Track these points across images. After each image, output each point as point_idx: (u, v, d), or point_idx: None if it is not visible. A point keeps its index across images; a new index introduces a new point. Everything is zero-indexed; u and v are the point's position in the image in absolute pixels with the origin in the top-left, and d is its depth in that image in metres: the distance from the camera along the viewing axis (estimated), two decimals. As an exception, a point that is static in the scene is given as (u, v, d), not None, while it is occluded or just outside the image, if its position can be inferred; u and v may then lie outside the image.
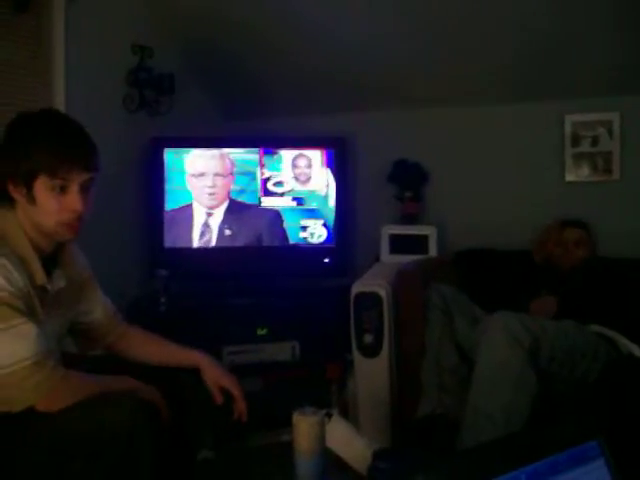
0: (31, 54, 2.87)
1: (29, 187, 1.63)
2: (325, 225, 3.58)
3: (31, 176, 1.62)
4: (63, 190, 1.65)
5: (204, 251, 3.54)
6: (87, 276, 1.98)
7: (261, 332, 3.30)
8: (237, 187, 3.54)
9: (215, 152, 3.52)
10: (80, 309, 1.96)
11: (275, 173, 3.56)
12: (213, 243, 3.53)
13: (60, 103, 2.93)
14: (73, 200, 1.66)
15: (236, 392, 1.97)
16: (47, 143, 1.63)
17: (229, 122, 4.16)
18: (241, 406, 1.97)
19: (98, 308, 2.02)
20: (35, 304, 1.65)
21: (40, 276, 1.68)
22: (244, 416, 1.97)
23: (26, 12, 2.81)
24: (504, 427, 2.07)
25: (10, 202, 1.68)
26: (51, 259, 1.77)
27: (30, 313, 1.60)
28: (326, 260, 3.58)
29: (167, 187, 3.46)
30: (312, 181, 3.58)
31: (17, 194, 1.65)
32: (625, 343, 2.41)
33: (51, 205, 1.65)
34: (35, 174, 1.62)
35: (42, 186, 1.63)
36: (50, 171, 1.62)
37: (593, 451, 1.04)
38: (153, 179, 3.48)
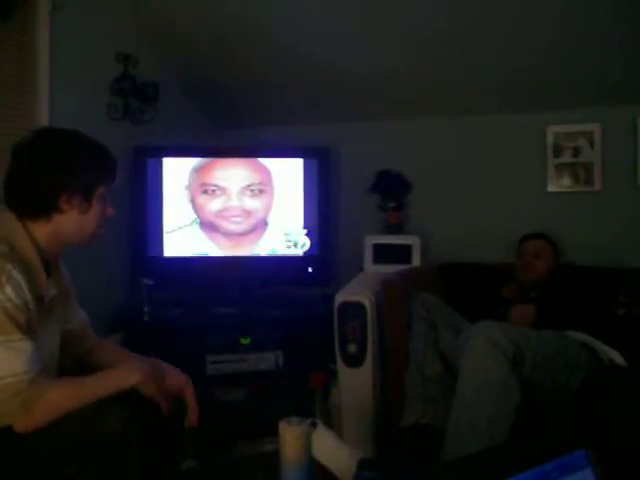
0: (15, 62, 2.85)
1: (88, 197, 1.77)
2: (309, 234, 3.59)
3: (93, 187, 1.78)
4: (105, 199, 1.84)
5: (187, 260, 3.54)
6: (68, 283, 1.98)
7: (244, 341, 3.30)
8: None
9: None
10: (63, 317, 1.95)
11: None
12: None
13: (44, 111, 2.92)
14: (108, 207, 1.87)
15: (165, 406, 1.82)
16: (103, 158, 1.83)
17: (213, 131, 4.15)
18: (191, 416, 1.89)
19: (75, 317, 2.02)
20: (33, 316, 1.65)
21: (43, 286, 1.71)
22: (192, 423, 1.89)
23: (10, 21, 2.79)
24: (488, 437, 2.07)
25: (38, 215, 1.73)
26: (45, 267, 1.78)
27: (29, 328, 1.61)
28: (310, 269, 3.58)
29: (151, 196, 3.47)
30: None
31: (68, 204, 1.74)
32: (605, 350, 2.42)
33: (98, 212, 1.82)
34: (97, 185, 1.79)
35: (97, 195, 1.80)
36: (107, 182, 1.83)
37: (581, 460, 1.05)
38: (136, 187, 3.47)
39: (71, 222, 1.76)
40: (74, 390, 1.65)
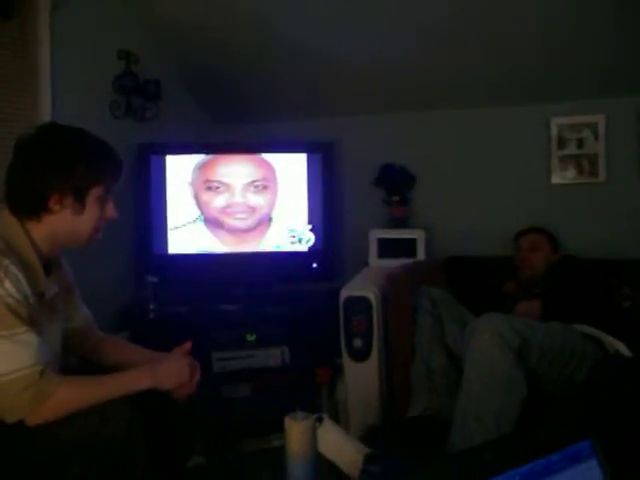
0: (17, 61, 2.85)
1: (81, 198, 1.72)
2: (313, 230, 3.58)
3: (86, 187, 1.72)
4: (104, 200, 1.78)
5: (192, 257, 3.54)
6: (71, 280, 1.98)
7: (250, 338, 3.30)
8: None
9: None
10: (66, 314, 1.95)
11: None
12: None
13: (46, 109, 2.92)
14: (111, 209, 1.82)
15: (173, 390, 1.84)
16: (102, 158, 1.77)
17: (216, 128, 4.16)
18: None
19: (78, 314, 2.01)
20: (34, 310, 1.65)
21: (42, 283, 1.71)
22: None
23: (11, 18, 2.79)
24: (494, 429, 2.07)
25: (30, 214, 1.71)
26: (45, 265, 1.78)
27: (32, 322, 1.61)
28: (314, 265, 3.58)
29: (154, 193, 3.47)
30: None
31: (59, 205, 1.70)
32: (610, 341, 2.42)
33: (95, 214, 1.77)
34: (90, 185, 1.73)
35: (93, 196, 1.74)
36: (106, 182, 1.77)
37: (586, 451, 1.04)
38: (140, 185, 3.48)
39: (65, 223, 1.73)
40: (86, 389, 1.66)
